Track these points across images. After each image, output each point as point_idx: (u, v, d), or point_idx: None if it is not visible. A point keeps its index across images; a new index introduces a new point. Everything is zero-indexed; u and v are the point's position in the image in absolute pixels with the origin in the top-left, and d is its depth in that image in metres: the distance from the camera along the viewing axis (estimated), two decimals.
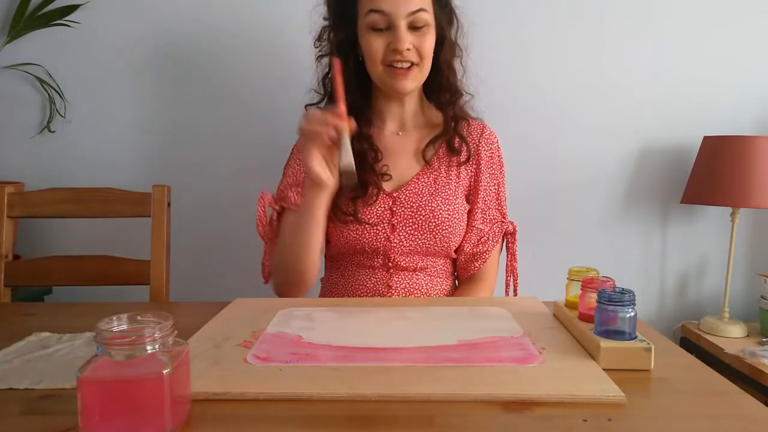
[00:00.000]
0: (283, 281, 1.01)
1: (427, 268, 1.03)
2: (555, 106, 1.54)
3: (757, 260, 1.62)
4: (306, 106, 1.09)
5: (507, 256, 1.10)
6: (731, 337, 1.48)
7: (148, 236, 1.12)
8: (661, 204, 1.60)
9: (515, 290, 1.10)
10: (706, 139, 1.49)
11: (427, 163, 1.04)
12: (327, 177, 0.87)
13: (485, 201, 1.06)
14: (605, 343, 0.59)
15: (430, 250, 1.02)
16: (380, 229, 1.00)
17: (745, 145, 1.41)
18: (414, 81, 0.99)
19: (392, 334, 0.70)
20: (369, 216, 1.00)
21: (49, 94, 1.49)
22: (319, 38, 1.05)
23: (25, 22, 1.45)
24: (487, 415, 0.50)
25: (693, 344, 1.53)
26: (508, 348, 0.64)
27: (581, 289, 0.69)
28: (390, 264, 1.02)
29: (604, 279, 0.68)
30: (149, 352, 0.45)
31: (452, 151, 1.05)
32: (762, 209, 1.57)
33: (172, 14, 1.50)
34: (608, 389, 0.53)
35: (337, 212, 0.99)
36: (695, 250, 1.62)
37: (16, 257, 1.26)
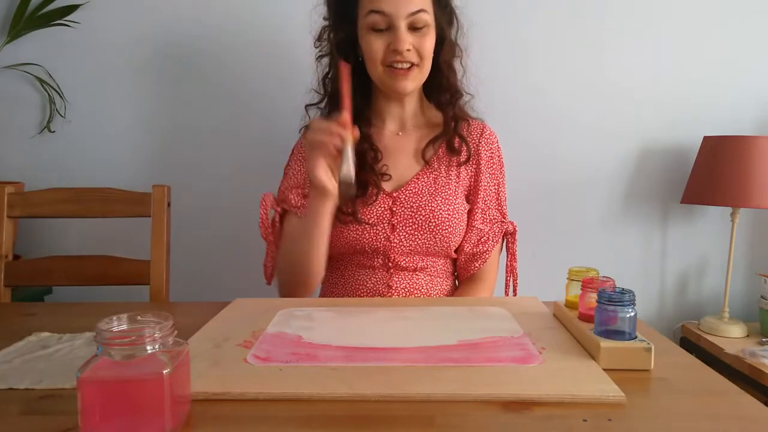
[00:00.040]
0: (289, 283, 1.01)
1: (427, 268, 1.03)
2: (555, 106, 1.54)
3: (757, 260, 1.62)
4: (306, 106, 1.09)
5: (507, 256, 1.10)
6: (731, 337, 1.48)
7: (148, 236, 1.12)
8: (661, 204, 1.60)
9: (515, 290, 1.10)
10: (706, 139, 1.49)
11: (427, 163, 1.04)
12: (332, 186, 0.87)
13: (485, 201, 1.06)
14: (605, 343, 0.59)
15: (430, 250, 1.02)
16: (380, 229, 1.00)
17: (745, 145, 1.41)
18: (414, 81, 1.00)
19: (392, 334, 0.70)
20: (369, 216, 1.00)
21: (49, 94, 1.49)
22: (319, 38, 1.05)
23: (25, 22, 1.45)
24: (487, 415, 0.50)
25: (693, 344, 1.53)
26: (508, 348, 0.64)
27: (581, 289, 0.69)
28: (390, 264, 1.02)
29: (604, 279, 0.68)
30: (149, 352, 0.45)
31: (452, 151, 1.05)
32: (762, 209, 1.57)
33: (172, 14, 1.50)
34: (608, 389, 0.53)
35: (336, 212, 0.99)
36: (695, 250, 1.62)
37: (16, 257, 1.26)
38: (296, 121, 1.11)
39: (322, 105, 1.08)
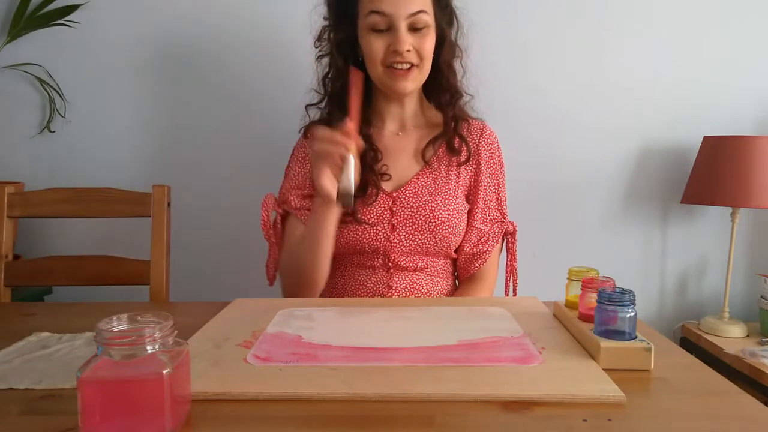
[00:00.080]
0: (295, 284, 1.01)
1: (427, 268, 1.03)
2: (555, 106, 1.54)
3: (757, 260, 1.62)
4: (306, 106, 1.10)
5: (507, 256, 1.10)
6: (731, 337, 1.48)
7: (148, 236, 1.12)
8: (661, 204, 1.60)
9: (515, 290, 1.10)
10: (706, 139, 1.50)
11: (427, 163, 1.04)
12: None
13: (485, 201, 1.06)
14: (605, 343, 0.59)
15: (430, 250, 1.02)
16: (380, 229, 1.00)
17: (745, 145, 1.41)
18: (414, 82, 1.00)
19: (392, 334, 0.70)
20: (369, 216, 1.00)
21: (49, 94, 1.49)
22: (319, 38, 1.05)
23: (25, 22, 1.45)
24: (487, 415, 0.50)
25: (693, 344, 1.53)
26: (508, 348, 0.64)
27: (581, 289, 0.69)
28: (390, 264, 1.02)
29: (604, 279, 0.68)
30: (149, 352, 0.45)
31: (452, 151, 1.05)
32: (762, 209, 1.57)
33: (172, 14, 1.50)
34: (608, 389, 0.53)
35: None
36: (695, 250, 1.62)
37: (16, 257, 1.26)
38: (296, 121, 1.12)
39: (322, 105, 1.08)
